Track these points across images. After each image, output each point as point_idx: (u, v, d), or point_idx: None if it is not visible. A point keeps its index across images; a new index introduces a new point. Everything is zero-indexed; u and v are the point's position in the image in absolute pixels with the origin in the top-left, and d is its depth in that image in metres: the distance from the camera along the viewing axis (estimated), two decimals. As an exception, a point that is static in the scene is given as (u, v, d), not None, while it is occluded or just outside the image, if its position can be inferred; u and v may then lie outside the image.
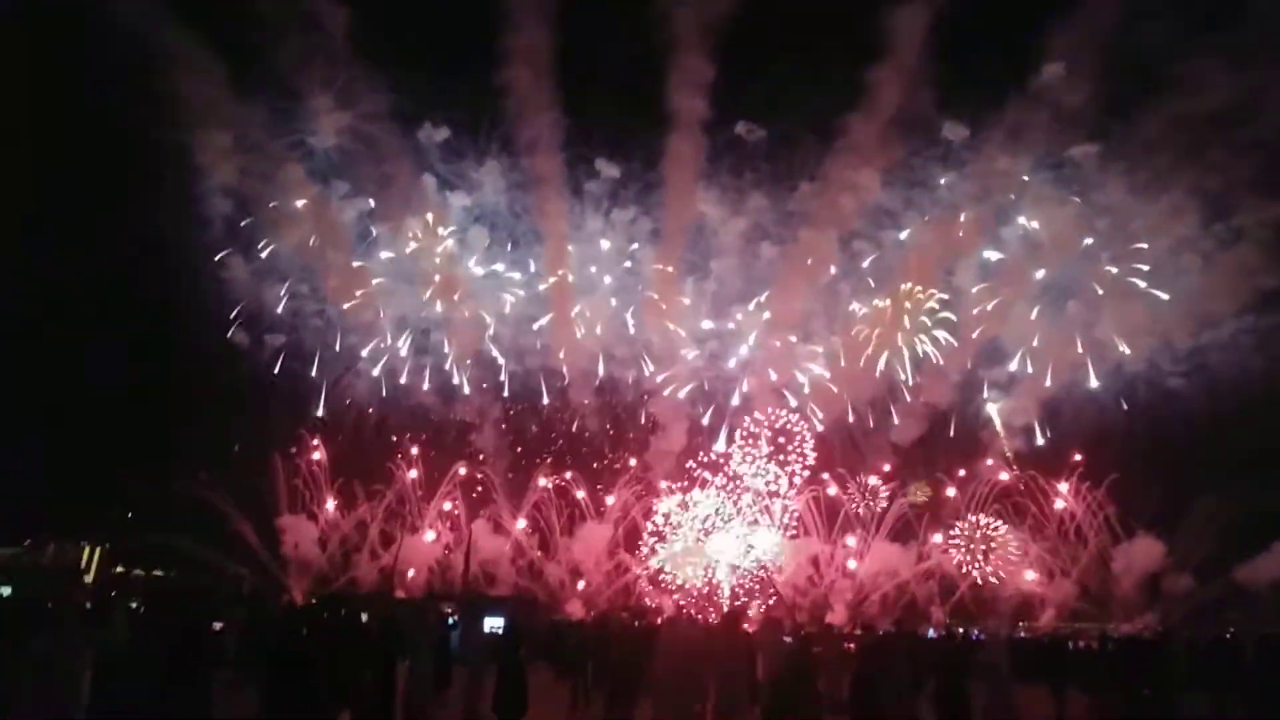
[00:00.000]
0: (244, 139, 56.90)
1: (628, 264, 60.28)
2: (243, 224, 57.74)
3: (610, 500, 54.42)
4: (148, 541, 46.09)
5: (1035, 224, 53.47)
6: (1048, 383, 51.98)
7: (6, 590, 30.48)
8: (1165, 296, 50.36)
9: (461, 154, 58.97)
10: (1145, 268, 51.05)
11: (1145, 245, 51.19)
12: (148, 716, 7.78)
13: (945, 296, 54.77)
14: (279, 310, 58.53)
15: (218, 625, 12.43)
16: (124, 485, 50.84)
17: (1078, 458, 49.79)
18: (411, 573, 50.06)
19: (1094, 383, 51.88)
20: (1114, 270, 51.75)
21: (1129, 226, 51.45)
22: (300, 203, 58.02)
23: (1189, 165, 48.12)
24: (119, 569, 46.78)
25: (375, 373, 59.42)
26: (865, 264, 56.68)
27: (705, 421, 57.79)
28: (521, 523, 53.36)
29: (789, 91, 52.05)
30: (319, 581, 48.45)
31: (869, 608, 45.36)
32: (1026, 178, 52.89)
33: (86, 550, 51.05)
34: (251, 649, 13.39)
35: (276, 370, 57.73)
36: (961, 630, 35.56)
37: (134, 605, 17.66)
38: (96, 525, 54.03)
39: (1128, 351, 50.86)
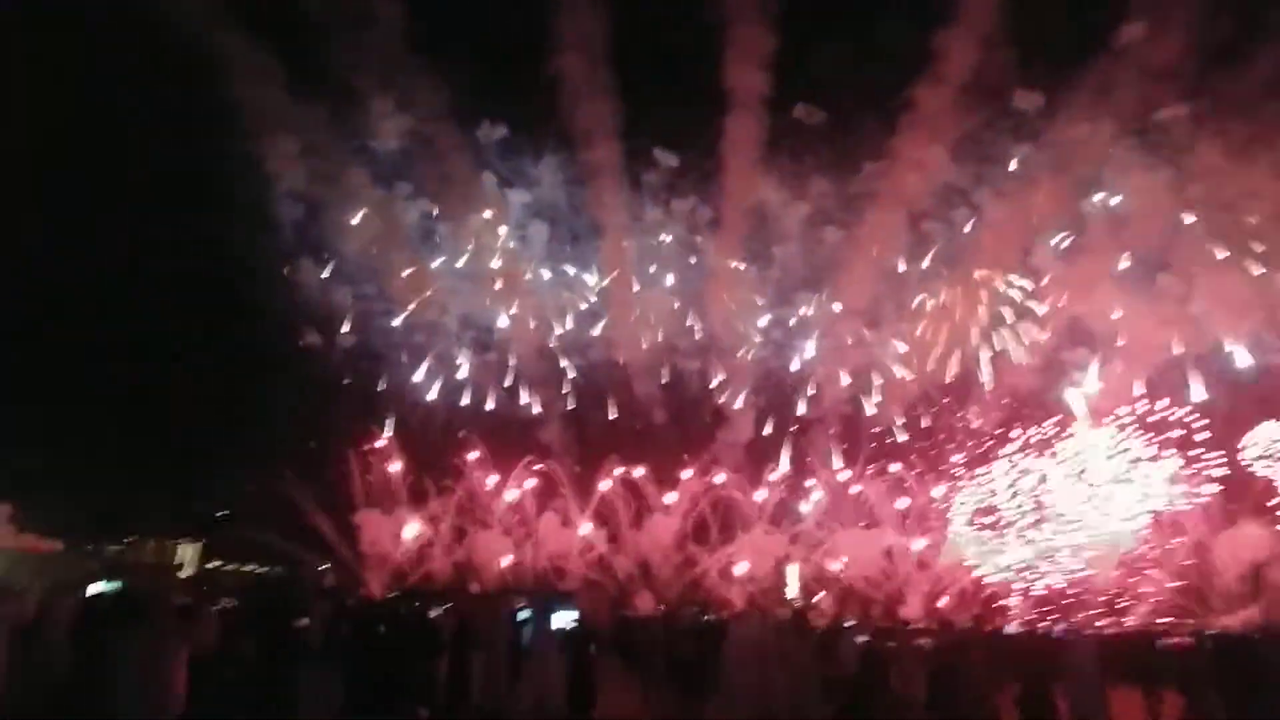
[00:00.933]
0: (309, 144, 59.15)
1: (689, 256, 60.09)
2: (311, 229, 60.40)
3: (675, 495, 54.53)
4: (238, 537, 48.71)
5: (1120, 197, 50.62)
6: (1137, 366, 49.38)
7: (111, 585, 32.76)
8: (1266, 270, 47.17)
9: (520, 150, 59.79)
10: (1247, 240, 47.86)
11: (1247, 216, 47.94)
12: (238, 714, 8.28)
13: (1026, 284, 52.70)
14: (348, 313, 61.24)
15: (304, 621, 13.08)
16: (212, 483, 54.07)
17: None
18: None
19: (1190, 373, 48.72)
20: (1211, 243, 48.64)
21: (1226, 193, 48.17)
22: (364, 209, 60.15)
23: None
24: (212, 564, 49.66)
25: (441, 373, 61.34)
26: (935, 248, 54.95)
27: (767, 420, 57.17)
28: (587, 526, 53.95)
29: (849, 68, 50.62)
30: (395, 576, 50.17)
31: (947, 602, 44.22)
32: (1110, 148, 50.05)
33: (184, 546, 54.35)
34: (334, 643, 14.06)
35: (347, 371, 60.62)
36: (1045, 626, 34.29)
37: (225, 602, 18.73)
38: (190, 522, 57.63)
39: (1227, 334, 47.75)
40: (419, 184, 61.10)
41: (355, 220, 59.77)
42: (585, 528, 53.54)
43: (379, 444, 56.94)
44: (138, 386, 56.09)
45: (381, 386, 60.18)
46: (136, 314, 55.74)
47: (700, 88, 54.17)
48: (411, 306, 60.85)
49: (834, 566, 47.76)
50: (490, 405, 60.95)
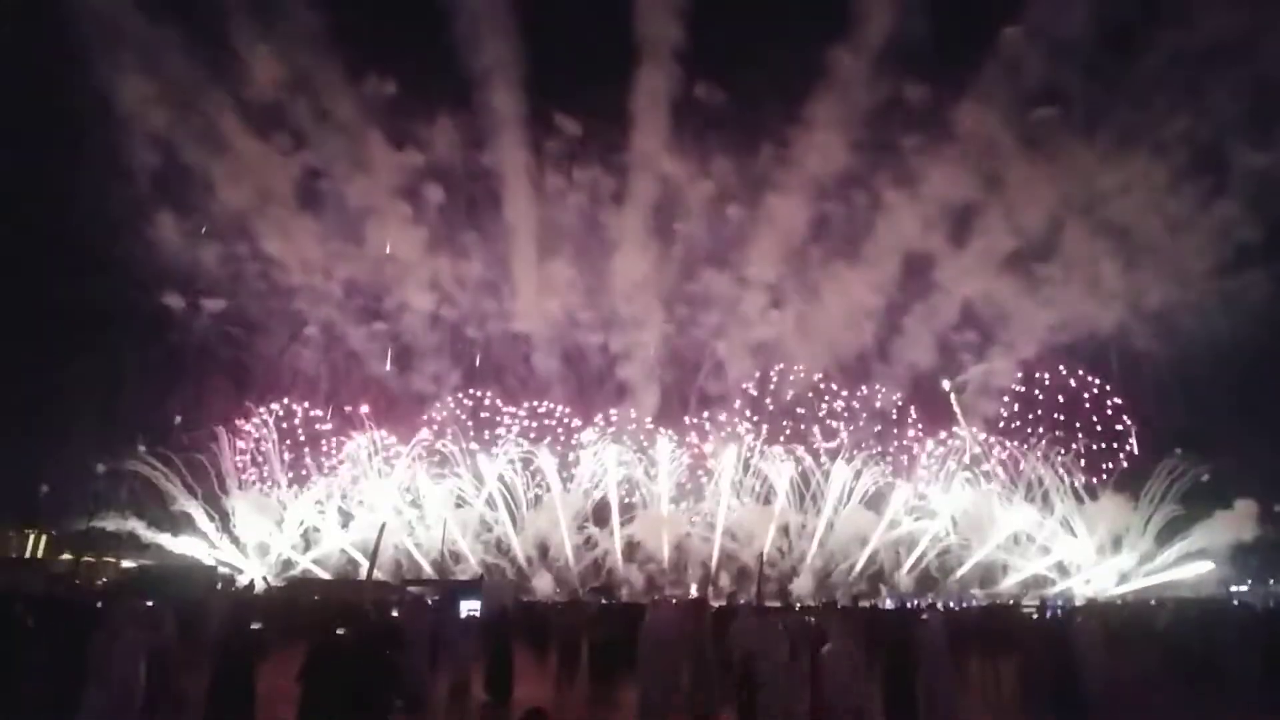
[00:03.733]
0: (172, 88, 56.27)
1: (592, 227, 61.46)
2: (174, 180, 57.57)
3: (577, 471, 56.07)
4: (93, 528, 46.88)
5: (1003, 189, 56.10)
6: (1018, 348, 55.54)
7: None
8: (1136, 258, 53.96)
9: (411, 110, 58.98)
10: (1116, 229, 54.44)
11: (1114, 206, 54.52)
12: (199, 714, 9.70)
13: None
14: (216, 274, 59.08)
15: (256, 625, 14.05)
16: (55, 461, 51.25)
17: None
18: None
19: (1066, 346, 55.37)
20: (1084, 232, 54.97)
21: (1097, 187, 54.61)
22: (236, 160, 57.84)
23: (1156, 124, 51.76)
24: (68, 556, 47.39)
25: (324, 343, 60.49)
26: (836, 227, 58.96)
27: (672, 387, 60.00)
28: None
29: (753, 53, 53.69)
30: (281, 565, 49.82)
31: (837, 577, 48.73)
32: (993, 140, 55.40)
33: (31, 538, 51.56)
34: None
35: (216, 338, 58.68)
36: (913, 603, 38.90)
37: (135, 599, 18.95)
38: (30, 510, 54.47)
39: (1098, 315, 54.39)
40: (300, 138, 59.69)
41: (226, 170, 57.85)
42: (481, 508, 54.35)
43: (254, 421, 55.94)
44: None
45: (255, 354, 59.31)
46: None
47: (608, 49, 55.99)
48: (290, 268, 59.85)
49: (731, 545, 51.25)
50: (378, 378, 61.04)
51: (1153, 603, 32.71)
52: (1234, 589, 47.66)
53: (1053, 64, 51.98)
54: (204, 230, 59.24)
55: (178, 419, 54.54)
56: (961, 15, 52.34)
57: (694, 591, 45.52)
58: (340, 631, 10.02)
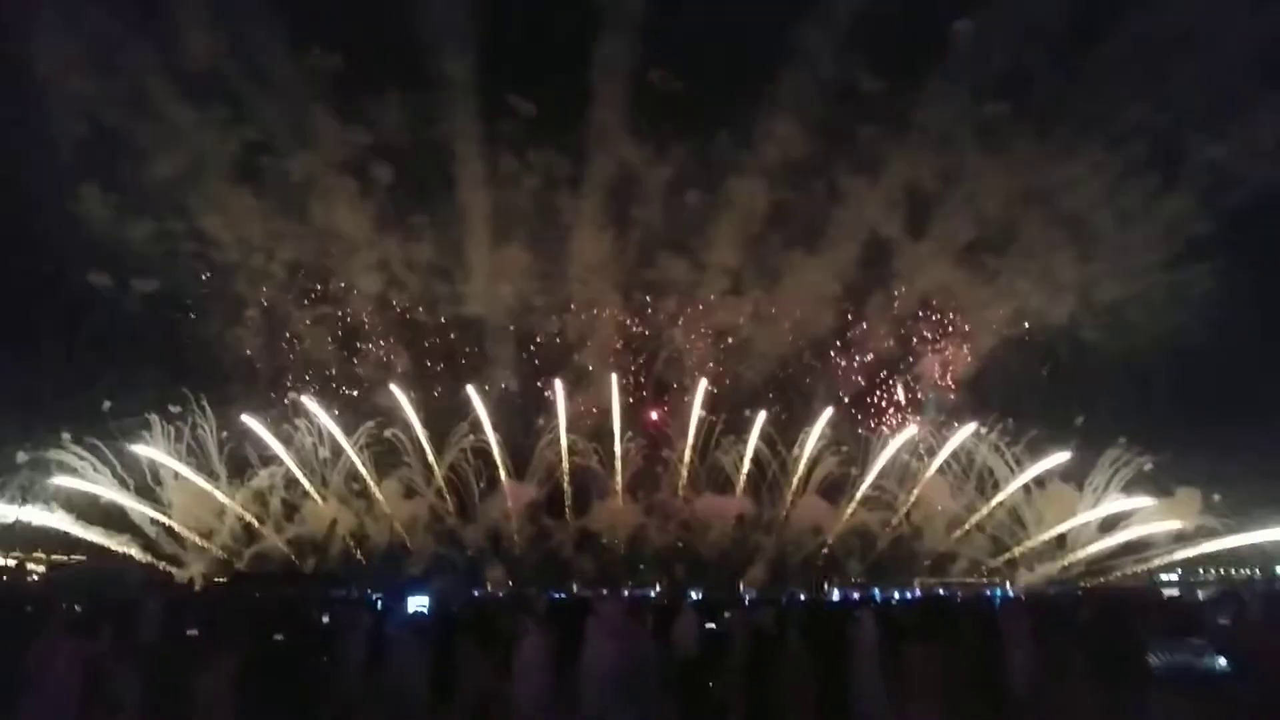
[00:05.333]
0: (98, 49, 54.29)
1: (547, 211, 61.29)
2: (101, 150, 55.78)
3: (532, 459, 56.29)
4: (19, 523, 45.68)
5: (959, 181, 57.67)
6: (971, 337, 57.45)
7: None
8: (1085, 250, 56.05)
9: (359, 84, 57.85)
10: (1066, 223, 56.43)
11: (1064, 200, 56.46)
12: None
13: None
14: (148, 252, 57.45)
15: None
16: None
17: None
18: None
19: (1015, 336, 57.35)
20: (1035, 225, 56.88)
21: (1048, 182, 56.46)
22: (169, 132, 56.19)
23: (1107, 119, 53.69)
24: None
25: (266, 326, 59.49)
26: (794, 215, 59.83)
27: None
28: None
29: (711, 37, 54.33)
30: (221, 560, 49.19)
31: (791, 568, 50.18)
32: (946, 134, 56.87)
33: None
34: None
35: (148, 319, 57.00)
36: (854, 595, 40.38)
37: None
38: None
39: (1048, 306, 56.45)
40: (238, 109, 58.22)
41: (159, 142, 56.20)
42: (430, 497, 54.44)
43: (191, 406, 54.66)
44: None
45: (190, 336, 57.80)
46: None
47: (565, 29, 55.77)
48: (228, 246, 58.49)
49: (687, 535, 52.29)
50: (323, 363, 60.30)
51: (1079, 593, 34.50)
52: (1164, 578, 50.36)
53: (1007, 57, 53.13)
54: (133, 204, 57.46)
55: (107, 405, 53.29)
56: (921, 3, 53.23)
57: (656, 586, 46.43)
58: (276, 638, 10.35)
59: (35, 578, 38.63)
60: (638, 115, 56.82)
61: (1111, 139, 54.27)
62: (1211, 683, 13.18)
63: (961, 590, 41.67)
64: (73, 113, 54.18)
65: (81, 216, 54.94)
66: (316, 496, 51.75)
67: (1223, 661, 12.99)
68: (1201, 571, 51.40)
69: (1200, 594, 36.15)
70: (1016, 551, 50.63)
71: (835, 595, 42.12)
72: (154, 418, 53.33)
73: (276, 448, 53.42)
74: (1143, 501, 50.89)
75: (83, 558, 42.44)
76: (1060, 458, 51.61)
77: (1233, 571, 51.99)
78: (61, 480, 49.05)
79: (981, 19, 52.71)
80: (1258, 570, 50.92)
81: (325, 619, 18.04)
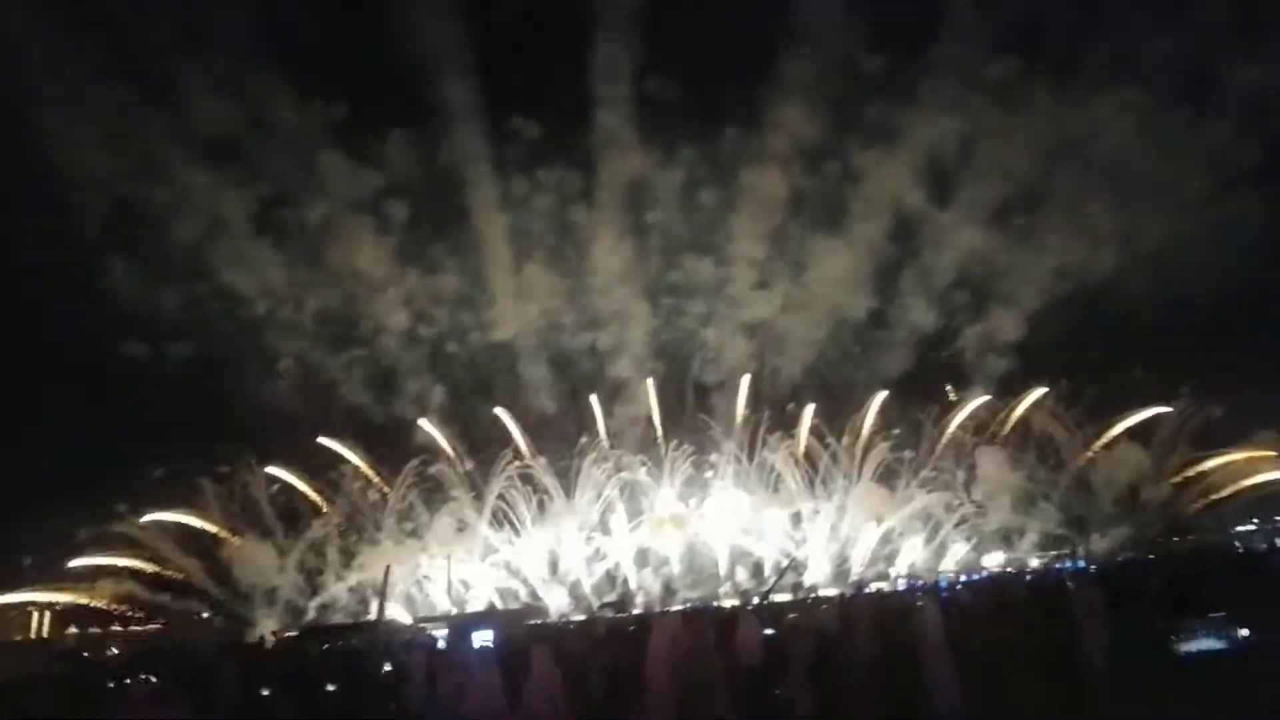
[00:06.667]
0: (115, 130, 56.41)
1: (563, 227, 61.95)
2: (123, 225, 57.61)
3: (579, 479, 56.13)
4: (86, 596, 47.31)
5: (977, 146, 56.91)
6: (1013, 306, 56.54)
7: None
8: (1117, 200, 54.97)
9: (363, 129, 59.32)
10: (1094, 174, 55.41)
11: (1088, 153, 55.41)
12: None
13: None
14: (177, 316, 58.81)
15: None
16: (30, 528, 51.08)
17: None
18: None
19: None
20: (1068, 178, 55.94)
21: (1069, 137, 55.48)
22: (186, 197, 57.91)
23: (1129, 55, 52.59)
24: (74, 630, 47.74)
25: (299, 376, 60.69)
26: (814, 199, 59.66)
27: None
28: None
29: (710, 33, 54.68)
30: (291, 612, 50.47)
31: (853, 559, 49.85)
32: (960, 98, 56.18)
33: (35, 615, 51.50)
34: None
35: (184, 383, 58.25)
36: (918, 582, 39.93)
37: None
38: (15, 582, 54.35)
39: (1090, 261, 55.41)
40: (251, 167, 59.92)
41: (178, 208, 57.92)
42: (483, 529, 54.98)
43: (241, 465, 55.98)
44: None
45: (229, 395, 58.93)
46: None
47: (559, 46, 56.55)
48: (257, 303, 59.96)
49: (745, 539, 52.22)
50: (359, 407, 61.19)
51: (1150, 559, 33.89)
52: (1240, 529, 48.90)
53: (1009, 13, 52.47)
54: (157, 273, 59.15)
55: (159, 473, 54.64)
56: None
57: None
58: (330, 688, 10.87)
59: (115, 650, 40.05)
60: (642, 122, 57.54)
61: (1135, 75, 53.11)
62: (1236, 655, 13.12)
63: (1031, 567, 41.13)
64: (93, 188, 56.48)
65: (109, 289, 56.93)
66: (371, 540, 52.73)
67: (1245, 631, 13.03)
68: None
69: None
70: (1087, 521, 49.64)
71: (901, 584, 41.82)
72: (204, 481, 54.75)
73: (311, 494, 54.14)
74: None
75: (159, 625, 43.83)
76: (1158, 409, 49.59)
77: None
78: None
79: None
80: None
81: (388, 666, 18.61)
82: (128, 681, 20.51)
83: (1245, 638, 13.14)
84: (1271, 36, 51.21)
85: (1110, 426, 52.93)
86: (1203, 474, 49.99)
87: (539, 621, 40.75)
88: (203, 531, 53.38)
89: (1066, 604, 16.07)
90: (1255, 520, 50.15)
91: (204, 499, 54.42)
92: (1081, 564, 38.95)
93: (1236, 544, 39.61)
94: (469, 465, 57.57)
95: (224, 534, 53.49)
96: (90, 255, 56.18)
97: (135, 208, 57.94)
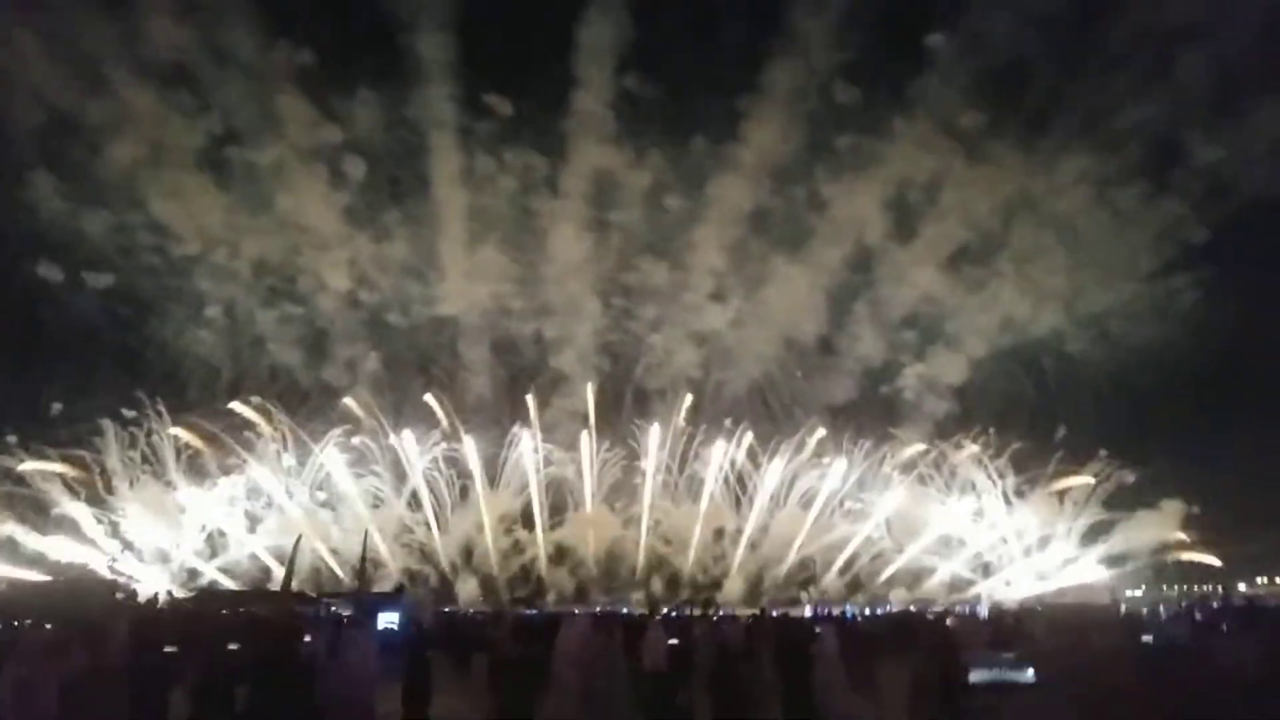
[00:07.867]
0: (56, 40, 54.13)
1: (523, 213, 61.86)
2: (56, 140, 55.35)
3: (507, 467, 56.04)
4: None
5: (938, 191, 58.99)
6: (957, 350, 58.82)
7: None
8: (1068, 261, 57.72)
9: (331, 79, 58.17)
10: (1048, 233, 58.04)
11: (1046, 212, 58.03)
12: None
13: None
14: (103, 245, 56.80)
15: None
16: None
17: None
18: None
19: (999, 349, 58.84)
20: (1018, 237, 58.37)
21: (1029, 193, 58.04)
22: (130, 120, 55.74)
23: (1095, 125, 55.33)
24: None
25: (228, 327, 59.30)
26: (775, 221, 60.90)
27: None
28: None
29: (690, 40, 55.64)
30: (189, 574, 49.08)
31: (768, 582, 51.18)
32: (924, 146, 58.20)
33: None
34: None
35: (102, 317, 56.41)
36: (824, 610, 41.46)
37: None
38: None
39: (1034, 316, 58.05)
40: (202, 100, 58.15)
41: (118, 130, 55.67)
42: (400, 508, 54.51)
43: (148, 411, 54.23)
44: None
45: (147, 336, 57.16)
46: None
47: (543, 28, 56.48)
48: (190, 241, 58.20)
49: (665, 549, 53.11)
50: (287, 367, 59.95)
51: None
52: (1128, 594, 52.03)
53: (991, 61, 54.71)
54: (88, 194, 57.00)
55: (57, 408, 52.92)
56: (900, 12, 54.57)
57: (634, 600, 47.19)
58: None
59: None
60: (617, 118, 57.93)
61: (1101, 144, 55.81)
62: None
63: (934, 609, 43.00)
64: (25, 96, 54.14)
65: (33, 205, 54.67)
66: (281, 506, 51.77)
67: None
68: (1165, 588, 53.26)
69: (1163, 610, 37.76)
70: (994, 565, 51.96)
71: (808, 611, 43.22)
72: (107, 423, 53.07)
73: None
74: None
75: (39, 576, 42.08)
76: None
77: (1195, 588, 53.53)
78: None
79: (964, 24, 54.24)
80: (1220, 587, 52.45)
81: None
82: (15, 625, 20.08)
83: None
84: (1236, 120, 53.94)
85: (1031, 480, 55.34)
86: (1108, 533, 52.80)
87: (447, 609, 40.82)
88: (96, 475, 51.43)
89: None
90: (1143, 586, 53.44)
91: (104, 443, 52.63)
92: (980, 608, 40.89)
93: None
94: (393, 439, 56.56)
95: (120, 481, 51.78)
96: (15, 166, 54.19)
97: (70, 120, 55.38)
